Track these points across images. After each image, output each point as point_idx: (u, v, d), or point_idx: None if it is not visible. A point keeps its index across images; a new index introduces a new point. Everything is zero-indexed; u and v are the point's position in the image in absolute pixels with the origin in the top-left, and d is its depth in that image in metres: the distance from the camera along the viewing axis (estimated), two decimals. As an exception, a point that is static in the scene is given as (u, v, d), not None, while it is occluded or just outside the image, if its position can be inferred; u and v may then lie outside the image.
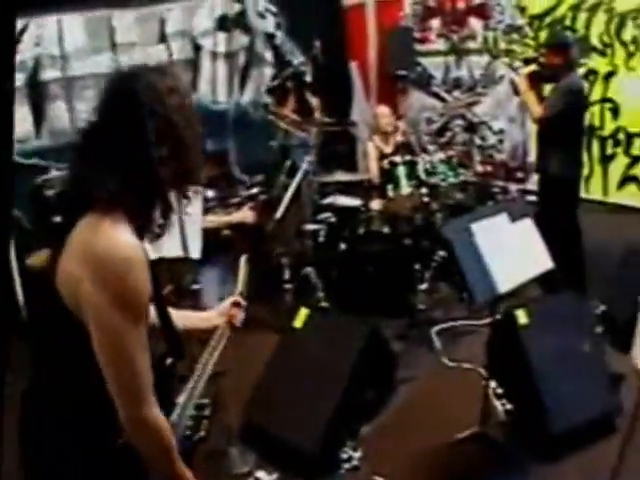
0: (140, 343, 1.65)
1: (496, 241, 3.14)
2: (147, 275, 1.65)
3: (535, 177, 5.91)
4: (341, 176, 5.97)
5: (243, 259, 2.61)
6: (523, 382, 3.79)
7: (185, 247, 3.71)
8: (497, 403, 3.94)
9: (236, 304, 2.39)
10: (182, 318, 2.04)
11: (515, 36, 8.50)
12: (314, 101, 7.78)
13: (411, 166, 5.57)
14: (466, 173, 6.11)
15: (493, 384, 3.99)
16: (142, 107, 1.68)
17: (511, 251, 3.19)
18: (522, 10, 8.56)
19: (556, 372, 3.72)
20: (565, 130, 5.08)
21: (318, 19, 8.39)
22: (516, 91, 5.58)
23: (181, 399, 1.98)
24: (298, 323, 4.01)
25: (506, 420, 3.86)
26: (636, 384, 4.10)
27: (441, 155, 5.83)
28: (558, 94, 5.08)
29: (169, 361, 1.88)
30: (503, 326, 3.95)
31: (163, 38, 7.54)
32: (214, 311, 2.40)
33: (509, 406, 3.92)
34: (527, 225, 3.37)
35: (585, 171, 7.61)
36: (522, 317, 3.81)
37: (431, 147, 6.68)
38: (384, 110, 6.60)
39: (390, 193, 5.54)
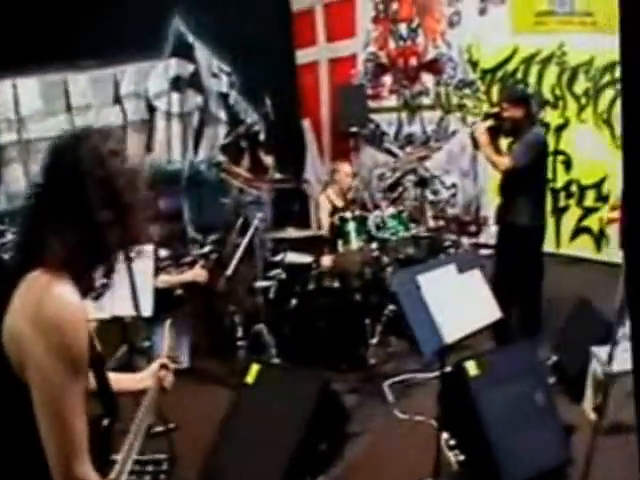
0: (79, 403, 1.65)
1: (443, 292, 3.17)
2: (87, 336, 1.68)
3: (490, 230, 5.99)
4: (293, 233, 6.01)
5: (167, 323, 2.63)
6: (474, 433, 3.79)
7: (137, 306, 3.70)
8: (450, 454, 3.94)
9: (164, 366, 2.39)
10: (114, 380, 2.05)
11: (467, 91, 8.70)
12: (268, 159, 7.85)
13: (361, 221, 5.63)
14: (417, 227, 6.18)
15: (445, 436, 4.02)
16: (84, 172, 1.70)
17: (458, 302, 3.21)
18: (474, 65, 8.75)
19: (508, 423, 3.74)
20: (531, 180, 5.20)
21: (271, 77, 8.51)
22: (475, 145, 5.68)
23: (119, 457, 1.98)
24: (249, 379, 4.01)
25: (459, 471, 3.87)
26: (587, 434, 4.21)
27: (392, 210, 5.90)
28: (524, 146, 5.17)
29: (105, 422, 1.88)
30: (454, 378, 3.96)
31: (118, 99, 7.61)
32: (144, 373, 2.39)
33: (462, 457, 3.92)
34: (476, 276, 3.41)
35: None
36: (472, 369, 3.84)
37: (383, 203, 6.75)
38: (347, 168, 6.64)
39: (340, 248, 5.59)
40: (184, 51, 8.36)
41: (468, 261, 3.45)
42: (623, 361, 4.35)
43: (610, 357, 4.37)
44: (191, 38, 8.36)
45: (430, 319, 3.07)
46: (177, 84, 8.24)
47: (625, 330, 4.65)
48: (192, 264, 5.29)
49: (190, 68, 8.42)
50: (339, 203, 6.34)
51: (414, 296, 3.09)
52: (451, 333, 3.10)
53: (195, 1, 8.01)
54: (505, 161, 5.21)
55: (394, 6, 9.46)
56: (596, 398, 4.36)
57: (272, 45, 8.97)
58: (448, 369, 3.87)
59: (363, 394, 4.79)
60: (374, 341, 5.28)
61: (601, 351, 4.56)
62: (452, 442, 4.00)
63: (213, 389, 4.83)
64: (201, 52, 8.54)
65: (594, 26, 8.07)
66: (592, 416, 4.43)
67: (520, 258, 5.23)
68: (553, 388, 4.55)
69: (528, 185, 5.20)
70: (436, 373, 4.23)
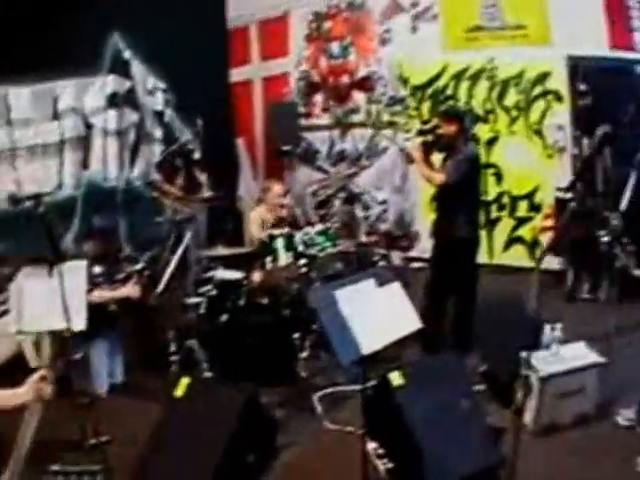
0: None
1: (361, 306, 3.26)
2: None
3: (421, 244, 6.13)
4: (225, 250, 6.07)
5: (46, 334, 2.68)
6: (401, 442, 3.94)
7: (68, 319, 3.75)
8: (378, 463, 4.05)
9: (43, 378, 2.44)
10: None
11: (398, 108, 8.87)
12: (202, 177, 7.91)
13: (289, 238, 5.74)
14: (348, 243, 6.30)
15: (373, 445, 4.15)
16: None
17: (377, 315, 3.31)
18: (405, 82, 8.95)
19: (434, 430, 3.88)
20: (465, 195, 5.37)
21: (206, 96, 8.59)
22: (409, 160, 5.83)
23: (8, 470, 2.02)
24: (179, 392, 4.08)
25: (387, 479, 3.98)
26: (523, 436, 4.40)
27: (319, 227, 6.02)
28: (458, 162, 5.34)
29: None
30: (379, 389, 4.14)
31: (56, 115, 7.61)
32: (23, 387, 2.43)
33: (390, 465, 4.03)
34: (394, 289, 3.50)
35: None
36: (397, 379, 4.01)
37: (315, 219, 6.86)
38: (277, 188, 6.64)
39: (269, 265, 5.69)
40: (121, 68, 8.40)
41: (387, 275, 3.56)
42: (553, 364, 4.60)
43: (539, 361, 4.60)
44: (128, 54, 8.40)
45: (348, 332, 3.15)
46: (114, 101, 8.26)
47: (555, 334, 4.90)
48: (126, 280, 5.33)
49: (126, 85, 8.44)
50: (269, 221, 6.41)
51: (332, 311, 3.17)
52: (369, 344, 3.19)
53: (132, 18, 8.04)
54: (439, 176, 5.36)
55: (327, 25, 9.66)
56: (524, 401, 4.58)
57: (207, 63, 9.00)
58: (372, 382, 4.04)
59: (293, 407, 4.88)
60: (304, 355, 5.39)
61: (532, 356, 4.77)
62: (380, 451, 4.11)
63: (146, 403, 4.87)
64: (137, 69, 8.59)
65: (525, 39, 8.36)
66: (526, 419, 4.66)
67: (456, 270, 5.40)
68: (483, 395, 4.79)
69: (463, 199, 5.37)
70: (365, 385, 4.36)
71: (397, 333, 3.37)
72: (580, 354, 4.86)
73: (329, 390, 5.10)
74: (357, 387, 4.82)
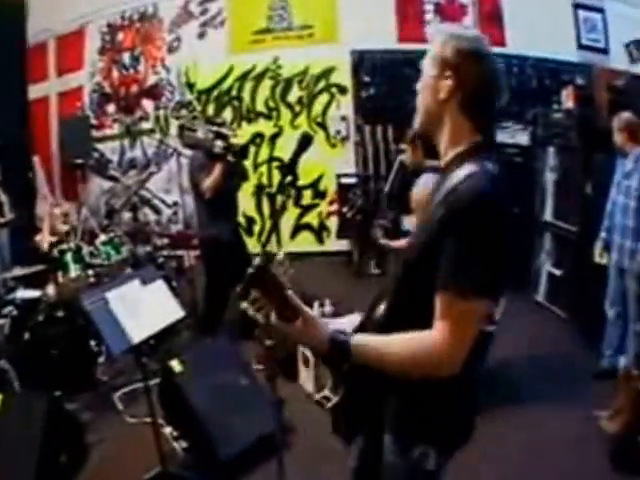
0: None
1: (130, 303, 3.62)
2: None
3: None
4: (21, 270, 6.19)
5: None
6: (190, 422, 4.35)
7: None
8: (175, 444, 4.49)
9: None
10: None
11: (184, 112, 9.09)
12: (3, 198, 7.86)
13: (77, 251, 5.93)
14: (143, 247, 6.52)
15: (169, 429, 4.57)
16: None
17: (143, 309, 3.67)
18: (191, 87, 9.22)
19: (217, 407, 4.33)
20: (219, 199, 5.64)
21: (3, 116, 8.46)
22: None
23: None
24: (-6, 409, 4.20)
25: (184, 457, 4.42)
26: (301, 406, 5.00)
27: (103, 237, 6.23)
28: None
29: None
30: (165, 377, 4.56)
31: None
32: None
33: (185, 444, 4.48)
34: (158, 286, 3.88)
35: (257, 227, 8.41)
36: (177, 366, 4.44)
37: (109, 228, 7.02)
38: (57, 210, 6.82)
39: (61, 279, 5.85)
40: None
41: (151, 275, 3.96)
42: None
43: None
44: None
45: (118, 327, 3.50)
46: None
47: (325, 309, 5.40)
48: None
49: None
50: (58, 234, 6.52)
51: (103, 310, 3.51)
52: (139, 334, 3.56)
53: None
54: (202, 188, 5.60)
55: (120, 36, 9.74)
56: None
57: (5, 82, 8.82)
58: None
59: (97, 408, 5.14)
60: (102, 360, 5.65)
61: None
62: (175, 433, 4.56)
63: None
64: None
65: (311, 38, 8.89)
66: (309, 389, 5.23)
67: (228, 264, 5.69)
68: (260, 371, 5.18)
69: (219, 203, 5.65)
70: (157, 380, 4.70)
71: (162, 323, 3.76)
72: (355, 323, 5.38)
73: (128, 388, 5.39)
74: (154, 381, 5.20)
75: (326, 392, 5.04)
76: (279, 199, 8.84)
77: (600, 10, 8.56)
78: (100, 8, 9.70)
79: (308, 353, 5.14)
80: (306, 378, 5.33)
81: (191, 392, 4.36)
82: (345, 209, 8.21)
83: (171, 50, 9.50)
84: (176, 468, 4.27)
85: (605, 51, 8.57)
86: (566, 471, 4.20)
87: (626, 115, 5.20)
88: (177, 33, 9.41)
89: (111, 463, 4.45)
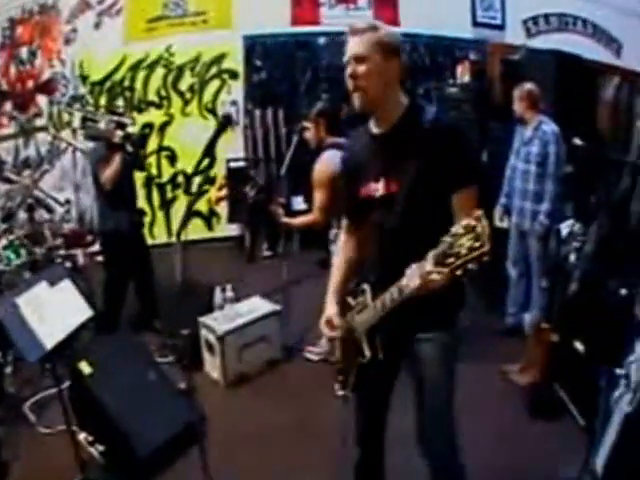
0: None
1: (39, 307, 3.46)
2: None
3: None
4: None
5: None
6: (103, 424, 4.18)
7: None
8: (92, 449, 4.29)
9: None
10: None
11: (77, 106, 8.78)
12: None
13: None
14: (40, 250, 6.27)
15: (84, 435, 4.37)
16: None
17: (53, 312, 3.51)
18: (84, 79, 8.86)
19: (129, 405, 4.17)
20: (125, 188, 5.53)
21: None
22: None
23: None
24: None
25: (102, 461, 4.23)
26: (220, 391, 5.01)
27: (4, 241, 5.91)
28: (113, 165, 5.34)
29: None
30: (75, 381, 4.36)
31: None
32: None
33: (101, 448, 4.28)
34: (65, 286, 3.72)
35: (148, 219, 8.22)
36: (86, 368, 4.26)
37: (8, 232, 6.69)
38: None
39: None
40: None
41: (57, 275, 3.77)
42: (228, 322, 5.06)
43: (214, 322, 5.16)
44: None
45: (31, 333, 3.33)
46: None
47: (226, 295, 5.34)
48: None
49: None
50: None
51: (16, 317, 3.33)
52: (51, 339, 3.39)
53: None
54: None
55: (19, 30, 9.23)
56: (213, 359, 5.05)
57: None
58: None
59: (9, 423, 4.82)
60: (8, 371, 5.34)
61: (207, 319, 5.20)
62: (90, 438, 4.35)
63: None
64: None
65: (205, 24, 8.72)
66: (215, 376, 5.11)
67: (126, 258, 5.61)
68: (173, 364, 5.17)
69: (116, 195, 5.48)
70: (67, 384, 4.50)
71: (73, 324, 3.60)
72: (256, 307, 5.39)
73: (37, 397, 5.12)
74: (63, 387, 5.00)
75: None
76: (196, 181, 8.85)
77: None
78: (4, 3, 9.20)
79: (213, 340, 5.06)
80: (211, 365, 5.26)
81: (102, 393, 4.20)
82: (247, 188, 8.13)
83: (68, 42, 9.06)
84: (97, 474, 4.10)
85: (501, 27, 8.78)
86: (486, 424, 4.38)
87: (528, 85, 5.40)
88: (74, 24, 8.97)
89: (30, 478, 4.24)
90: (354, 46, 2.60)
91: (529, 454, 4.17)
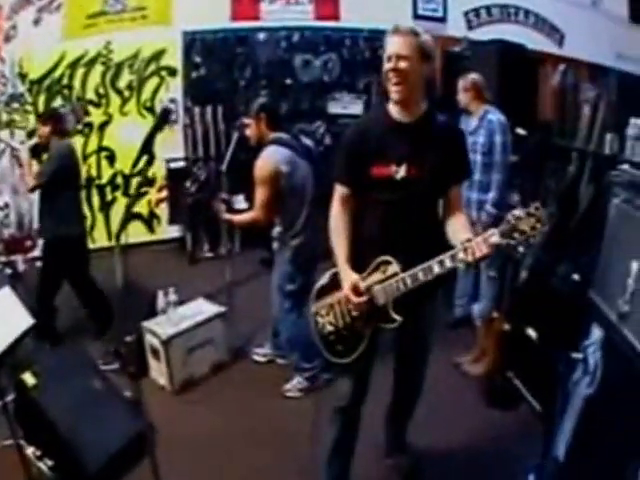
0: None
1: None
2: None
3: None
4: None
5: None
6: (51, 437, 4.07)
7: None
8: (40, 464, 4.14)
9: None
10: None
11: (15, 105, 8.57)
12: None
13: None
14: None
15: (31, 449, 4.27)
16: None
17: None
18: (23, 77, 8.65)
19: (76, 417, 4.07)
20: (61, 193, 5.33)
21: None
22: (19, 163, 5.66)
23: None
24: None
25: (52, 476, 4.07)
26: (168, 397, 4.92)
27: None
28: (48, 161, 5.32)
29: None
30: (19, 393, 4.21)
31: None
32: None
33: (50, 462, 4.12)
34: (5, 294, 3.64)
35: (88, 223, 8.07)
36: (30, 379, 4.15)
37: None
38: None
39: None
40: None
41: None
42: (172, 326, 4.99)
43: (158, 326, 5.06)
44: None
45: None
46: None
47: (169, 298, 5.27)
48: None
49: None
50: None
51: None
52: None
53: None
54: (30, 180, 5.37)
55: None
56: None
57: None
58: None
59: None
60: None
61: (151, 323, 5.13)
62: (38, 453, 4.24)
63: None
64: None
65: (145, 20, 8.49)
66: (162, 382, 5.07)
67: (65, 265, 5.48)
68: (118, 372, 5.05)
69: (59, 198, 5.35)
70: (11, 396, 4.40)
71: (14, 333, 3.51)
72: (200, 309, 5.33)
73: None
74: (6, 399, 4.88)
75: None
76: (134, 182, 8.63)
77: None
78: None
79: (157, 345, 5.02)
80: (157, 371, 5.18)
81: (48, 405, 4.09)
82: (188, 183, 8.05)
83: (8, 39, 8.80)
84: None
85: (443, 19, 8.91)
86: (442, 417, 4.44)
87: (472, 76, 5.45)
88: (14, 20, 8.67)
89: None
90: (398, 45, 3.00)
91: (487, 444, 4.23)
